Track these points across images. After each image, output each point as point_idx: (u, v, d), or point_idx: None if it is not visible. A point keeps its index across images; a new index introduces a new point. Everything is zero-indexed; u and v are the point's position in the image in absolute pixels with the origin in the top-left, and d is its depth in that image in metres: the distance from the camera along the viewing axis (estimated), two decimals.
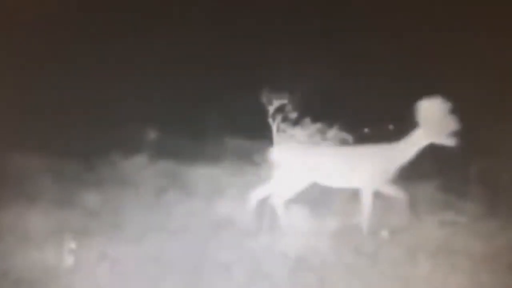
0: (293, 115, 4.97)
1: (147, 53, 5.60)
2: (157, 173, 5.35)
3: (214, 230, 4.65)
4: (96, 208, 4.92)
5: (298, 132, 5.00)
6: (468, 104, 4.56)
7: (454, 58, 5.24)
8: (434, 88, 4.63)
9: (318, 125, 4.99)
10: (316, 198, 4.86)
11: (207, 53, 5.59)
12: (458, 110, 4.58)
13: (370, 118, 4.96)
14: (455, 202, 4.91)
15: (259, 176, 4.99)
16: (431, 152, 4.72)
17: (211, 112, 5.45)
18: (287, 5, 5.62)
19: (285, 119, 4.98)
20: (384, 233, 4.65)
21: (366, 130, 4.92)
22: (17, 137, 5.20)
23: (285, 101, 4.97)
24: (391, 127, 4.91)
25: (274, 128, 5.00)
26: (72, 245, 4.35)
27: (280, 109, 4.98)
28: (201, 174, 5.29)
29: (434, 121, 4.62)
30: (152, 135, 5.50)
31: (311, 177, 4.82)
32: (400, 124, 4.80)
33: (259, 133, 5.03)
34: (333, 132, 4.97)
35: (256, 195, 4.84)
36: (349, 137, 4.94)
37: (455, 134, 4.62)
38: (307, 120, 4.98)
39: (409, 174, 4.77)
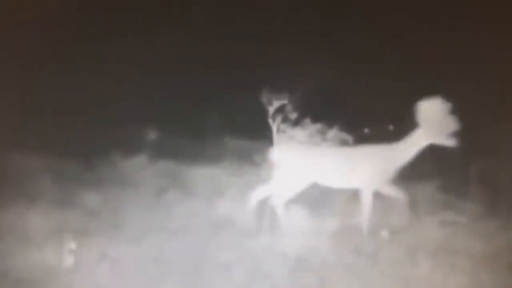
0: (293, 115, 4.97)
1: (147, 53, 5.60)
2: (157, 173, 5.35)
3: (214, 230, 4.65)
4: (96, 208, 4.93)
5: (298, 133, 5.00)
6: (468, 104, 4.56)
7: (454, 58, 5.23)
8: (434, 88, 4.63)
9: (318, 126, 4.98)
10: (316, 198, 4.86)
11: (207, 53, 5.59)
12: (458, 110, 4.58)
13: (370, 118, 4.95)
14: (455, 202, 4.91)
15: (259, 176, 5.00)
16: (431, 153, 4.71)
17: (211, 112, 5.45)
18: (287, 5, 5.62)
19: (285, 120, 4.98)
20: (384, 233, 4.65)
21: (366, 130, 4.92)
22: (17, 137, 5.20)
23: (285, 101, 4.97)
24: (391, 127, 4.91)
25: (274, 128, 5.00)
26: (72, 245, 4.35)
27: (280, 109, 4.98)
28: (201, 174, 5.29)
29: (434, 122, 4.62)
30: (152, 135, 5.50)
31: (311, 177, 4.82)
32: (400, 124, 4.80)
33: (259, 133, 5.03)
34: (333, 133, 4.97)
35: (256, 195, 4.84)
36: (349, 138, 4.94)
37: (455, 134, 4.62)
38: (307, 120, 4.98)
39: (409, 174, 4.77)
